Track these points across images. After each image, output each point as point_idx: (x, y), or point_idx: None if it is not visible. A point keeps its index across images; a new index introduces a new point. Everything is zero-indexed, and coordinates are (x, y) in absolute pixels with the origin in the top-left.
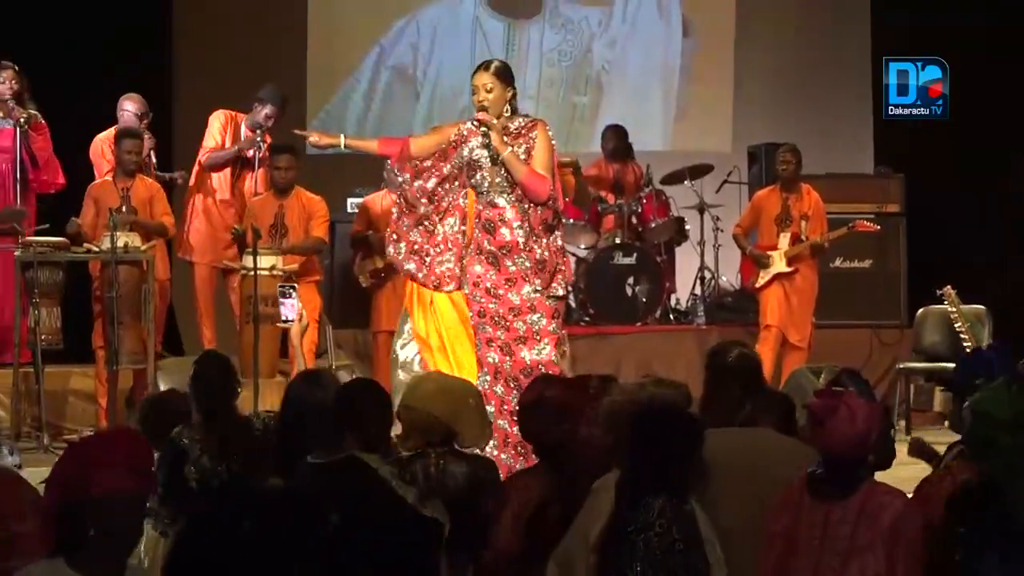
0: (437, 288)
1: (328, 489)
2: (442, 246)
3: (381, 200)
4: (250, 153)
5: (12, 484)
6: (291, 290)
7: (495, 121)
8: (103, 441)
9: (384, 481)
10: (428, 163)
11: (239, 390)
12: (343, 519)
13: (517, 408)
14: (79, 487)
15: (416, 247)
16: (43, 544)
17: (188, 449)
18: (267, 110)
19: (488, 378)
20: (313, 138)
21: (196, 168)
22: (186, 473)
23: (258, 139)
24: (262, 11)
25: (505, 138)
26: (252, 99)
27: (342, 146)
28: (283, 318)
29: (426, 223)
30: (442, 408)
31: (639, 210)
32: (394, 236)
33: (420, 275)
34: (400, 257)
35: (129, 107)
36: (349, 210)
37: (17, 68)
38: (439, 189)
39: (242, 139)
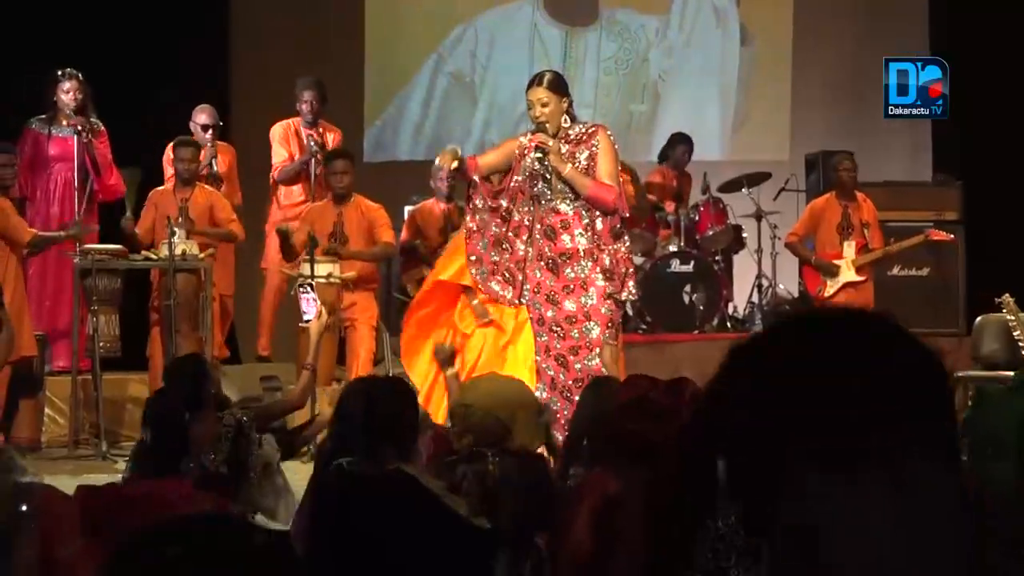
0: (520, 303)
1: (377, 504)
2: (521, 263)
3: (430, 208)
4: (312, 161)
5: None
6: (309, 288)
7: (551, 143)
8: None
9: (434, 496)
10: (500, 184)
11: (214, 392)
12: (396, 535)
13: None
14: None
15: (496, 267)
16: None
17: None
18: (304, 96)
19: (545, 390)
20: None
21: (272, 182)
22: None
23: (314, 146)
24: (320, 19)
25: (565, 147)
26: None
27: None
28: (304, 317)
29: (504, 243)
30: (500, 408)
31: (696, 218)
32: (472, 257)
33: (507, 294)
34: (482, 279)
35: (198, 119)
36: (406, 218)
37: (81, 77)
38: (510, 206)
39: (305, 142)
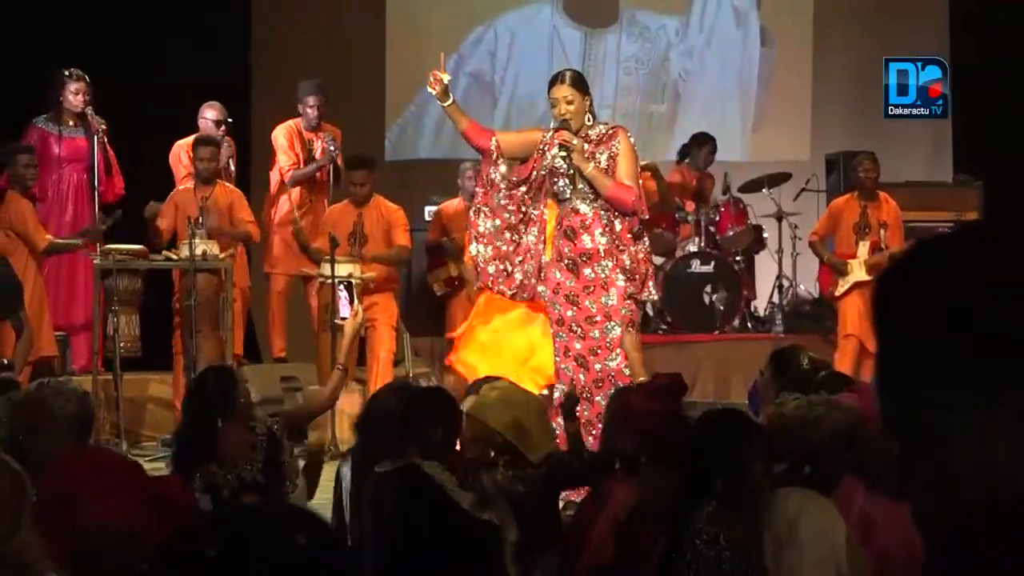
0: (513, 297)
1: (385, 498)
2: (523, 256)
3: (455, 206)
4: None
5: None
6: (345, 286)
7: (575, 141)
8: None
9: (439, 487)
10: (519, 173)
11: (243, 399)
12: (400, 526)
13: (626, 416)
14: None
15: (499, 254)
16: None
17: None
18: (309, 101)
19: (565, 391)
20: (435, 89)
21: (276, 182)
22: (195, 482)
23: (332, 152)
24: (340, 19)
25: (586, 146)
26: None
27: (444, 104)
28: (340, 314)
29: (513, 233)
30: (501, 420)
31: (717, 218)
32: (476, 235)
33: (504, 288)
34: (483, 262)
35: (209, 115)
36: (427, 218)
37: (88, 79)
38: (526, 197)
39: (309, 144)
